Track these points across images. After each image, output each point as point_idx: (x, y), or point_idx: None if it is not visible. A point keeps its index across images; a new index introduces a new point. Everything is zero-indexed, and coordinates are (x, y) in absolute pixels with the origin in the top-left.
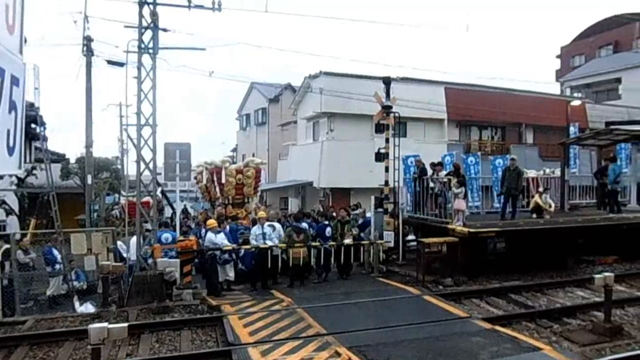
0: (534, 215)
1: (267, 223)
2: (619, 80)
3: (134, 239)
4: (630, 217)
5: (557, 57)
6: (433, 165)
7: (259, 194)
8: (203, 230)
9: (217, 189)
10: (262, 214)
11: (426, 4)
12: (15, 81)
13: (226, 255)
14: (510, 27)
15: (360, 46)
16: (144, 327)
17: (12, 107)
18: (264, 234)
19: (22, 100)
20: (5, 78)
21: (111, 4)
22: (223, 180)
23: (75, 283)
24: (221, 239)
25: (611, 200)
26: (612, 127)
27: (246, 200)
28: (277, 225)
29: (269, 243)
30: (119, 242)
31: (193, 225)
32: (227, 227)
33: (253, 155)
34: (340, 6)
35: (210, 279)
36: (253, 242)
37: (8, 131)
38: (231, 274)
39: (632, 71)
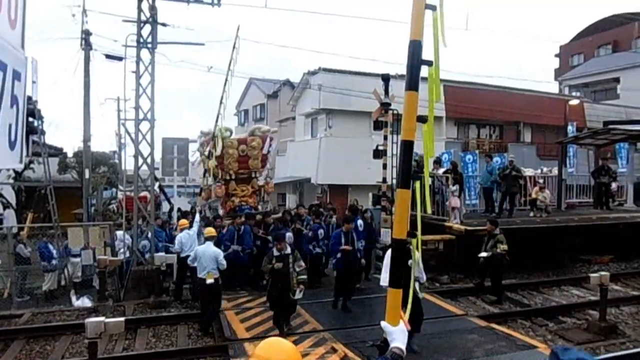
0: (531, 214)
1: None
2: (617, 80)
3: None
4: (626, 216)
5: (556, 55)
6: (435, 162)
7: (268, 166)
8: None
9: (212, 162)
10: (183, 222)
11: None
12: (17, 75)
13: None
14: (510, 25)
15: (361, 43)
16: (140, 321)
17: (14, 101)
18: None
19: (24, 94)
20: (7, 72)
21: None
22: (218, 149)
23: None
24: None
25: (489, 201)
26: (610, 126)
27: (253, 175)
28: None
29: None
30: (118, 233)
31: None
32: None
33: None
34: (340, 3)
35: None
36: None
37: (10, 125)
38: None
39: (630, 71)
